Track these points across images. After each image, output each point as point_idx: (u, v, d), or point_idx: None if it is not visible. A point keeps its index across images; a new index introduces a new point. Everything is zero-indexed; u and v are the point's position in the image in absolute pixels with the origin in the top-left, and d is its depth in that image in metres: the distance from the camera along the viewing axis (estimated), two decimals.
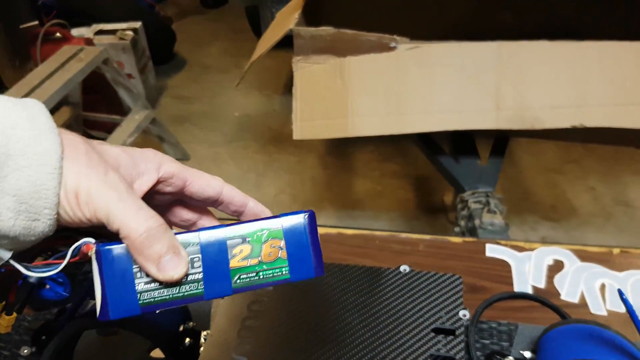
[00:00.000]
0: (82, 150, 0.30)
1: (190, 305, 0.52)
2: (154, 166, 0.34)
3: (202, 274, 0.31)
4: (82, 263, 0.45)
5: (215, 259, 0.31)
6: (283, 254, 0.32)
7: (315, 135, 1.15)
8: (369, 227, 1.68)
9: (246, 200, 0.37)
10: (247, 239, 0.31)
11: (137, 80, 2.19)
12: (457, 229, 1.19)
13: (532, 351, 0.47)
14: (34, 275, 0.30)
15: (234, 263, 0.31)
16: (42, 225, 0.28)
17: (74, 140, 0.31)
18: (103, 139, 1.83)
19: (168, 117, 2.19)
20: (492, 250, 0.76)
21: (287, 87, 1.13)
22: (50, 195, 0.28)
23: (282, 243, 0.32)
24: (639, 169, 1.79)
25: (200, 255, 0.31)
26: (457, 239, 0.79)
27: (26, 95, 1.59)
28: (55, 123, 0.30)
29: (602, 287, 0.71)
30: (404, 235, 0.80)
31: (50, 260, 0.32)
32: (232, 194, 0.36)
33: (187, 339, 0.48)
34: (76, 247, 0.31)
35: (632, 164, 1.80)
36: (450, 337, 0.42)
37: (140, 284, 0.30)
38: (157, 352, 0.53)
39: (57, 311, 0.55)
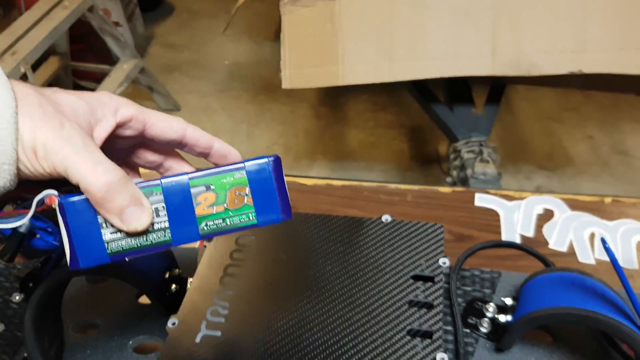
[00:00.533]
0: (36, 103, 0.29)
1: (176, 252, 0.52)
2: (111, 111, 0.33)
3: (167, 222, 0.30)
4: None
5: (179, 207, 0.31)
6: (249, 200, 0.31)
7: (305, 84, 1.12)
8: (361, 178, 1.67)
9: (211, 142, 0.35)
10: (211, 187, 0.31)
11: (124, 28, 2.12)
12: (449, 180, 1.18)
13: (514, 298, 0.46)
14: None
15: (199, 211, 0.31)
16: (3, 180, 0.28)
17: (27, 92, 0.29)
18: (93, 89, 1.79)
19: (157, 67, 2.13)
20: (481, 200, 0.75)
21: (279, 33, 1.09)
22: (9, 151, 0.27)
23: (247, 189, 0.31)
24: (638, 116, 1.76)
25: (164, 204, 0.30)
26: (446, 189, 0.78)
27: (12, 45, 1.54)
28: (6, 76, 0.29)
29: (592, 236, 0.70)
30: (392, 185, 0.79)
31: (15, 211, 0.31)
32: (196, 136, 0.35)
33: (174, 286, 0.48)
34: (40, 199, 0.30)
35: (633, 112, 1.77)
36: (429, 284, 0.41)
37: (107, 234, 0.30)
38: (145, 299, 0.53)
39: (43, 259, 0.56)
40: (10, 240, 0.57)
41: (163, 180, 0.31)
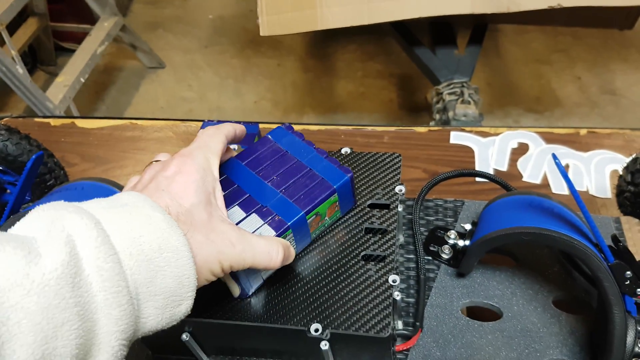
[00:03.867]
0: (193, 222, 0.31)
1: None
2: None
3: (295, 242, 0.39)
4: None
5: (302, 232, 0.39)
6: (338, 207, 0.41)
7: (283, 30, 1.09)
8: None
9: None
10: (318, 213, 0.39)
11: None
12: (432, 123, 1.17)
13: (473, 224, 0.46)
14: None
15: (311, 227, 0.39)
16: (185, 307, 0.30)
17: (178, 212, 0.31)
18: (74, 51, 1.76)
19: (140, 24, 2.09)
20: (457, 138, 0.74)
21: None
22: (191, 281, 0.29)
23: (337, 203, 0.40)
24: (627, 55, 1.73)
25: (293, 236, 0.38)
26: (422, 129, 0.77)
27: None
28: (167, 214, 0.30)
29: (567, 167, 0.70)
30: (369, 128, 0.79)
31: None
32: None
33: None
34: None
35: (621, 51, 1.74)
36: (385, 211, 0.41)
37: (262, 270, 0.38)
38: None
39: None
40: None
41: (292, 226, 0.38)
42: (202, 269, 0.30)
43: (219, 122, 0.79)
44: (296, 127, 0.80)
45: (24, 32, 1.87)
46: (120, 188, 0.50)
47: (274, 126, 0.80)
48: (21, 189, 0.45)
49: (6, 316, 0.22)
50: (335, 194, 0.39)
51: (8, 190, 0.60)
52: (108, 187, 0.50)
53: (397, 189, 0.43)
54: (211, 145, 0.36)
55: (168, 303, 0.29)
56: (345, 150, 0.47)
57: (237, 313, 0.36)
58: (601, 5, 0.92)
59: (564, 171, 0.35)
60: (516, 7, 0.95)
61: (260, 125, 0.77)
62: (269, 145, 0.42)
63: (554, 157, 0.37)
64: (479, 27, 1.31)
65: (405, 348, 0.41)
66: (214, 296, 0.37)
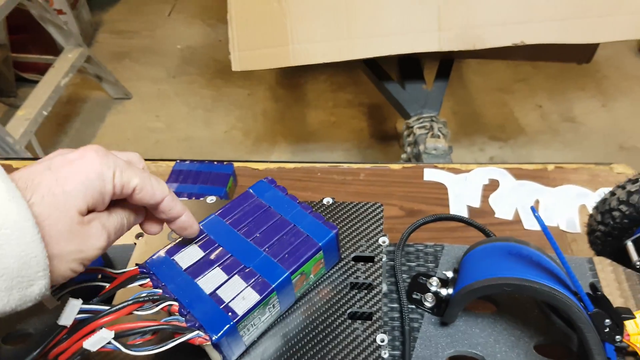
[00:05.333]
0: (45, 191, 0.29)
1: (111, 251, 0.51)
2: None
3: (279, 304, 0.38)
4: None
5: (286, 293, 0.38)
6: (322, 264, 0.40)
7: (255, 66, 1.10)
8: (322, 160, 1.67)
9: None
10: (303, 272, 0.39)
11: (68, 16, 2.03)
12: (403, 156, 1.19)
13: (455, 271, 0.47)
14: (137, 354, 0.32)
15: (295, 287, 0.39)
16: (39, 287, 0.27)
17: (31, 176, 0.29)
18: (36, 82, 1.72)
19: (106, 54, 2.06)
20: (430, 174, 0.76)
21: None
22: (41, 260, 0.27)
23: (322, 260, 0.40)
24: (584, 84, 1.81)
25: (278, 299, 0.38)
26: (396, 166, 0.78)
27: None
28: (11, 181, 0.27)
29: (537, 203, 0.72)
30: (344, 165, 0.79)
31: (146, 338, 0.33)
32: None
33: None
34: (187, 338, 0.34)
35: (578, 80, 1.82)
36: (370, 264, 0.41)
37: (245, 337, 0.36)
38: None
39: None
40: None
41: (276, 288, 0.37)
42: (60, 259, 0.29)
43: (192, 162, 0.77)
44: (271, 165, 0.81)
45: None
46: None
47: (249, 165, 0.80)
48: None
49: None
50: (321, 252, 0.39)
51: None
52: None
53: (380, 241, 0.43)
54: (128, 172, 0.33)
55: (13, 285, 0.26)
56: (327, 200, 0.47)
57: None
58: (564, 43, 0.97)
59: (545, 229, 0.36)
60: (482, 44, 0.98)
61: (235, 165, 0.76)
62: (251, 200, 0.42)
63: (533, 210, 0.38)
64: (445, 62, 1.36)
65: None
66: None
